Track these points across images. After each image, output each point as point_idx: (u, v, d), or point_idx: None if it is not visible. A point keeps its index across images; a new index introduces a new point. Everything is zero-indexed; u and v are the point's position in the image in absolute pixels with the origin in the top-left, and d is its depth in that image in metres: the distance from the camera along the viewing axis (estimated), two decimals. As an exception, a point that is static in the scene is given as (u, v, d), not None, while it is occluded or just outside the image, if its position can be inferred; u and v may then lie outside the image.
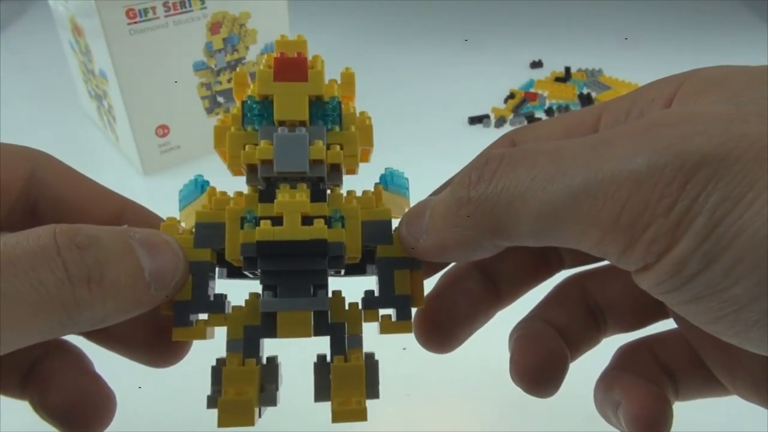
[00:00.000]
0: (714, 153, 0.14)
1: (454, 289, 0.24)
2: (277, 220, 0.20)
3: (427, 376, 0.41)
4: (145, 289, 0.19)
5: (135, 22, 0.56)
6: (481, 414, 0.41)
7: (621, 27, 0.99)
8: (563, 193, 0.16)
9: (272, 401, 0.20)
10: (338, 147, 0.21)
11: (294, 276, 0.20)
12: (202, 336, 0.21)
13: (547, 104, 0.76)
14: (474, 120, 0.72)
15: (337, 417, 0.19)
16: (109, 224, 0.22)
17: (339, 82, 0.23)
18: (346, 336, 0.21)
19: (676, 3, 1.05)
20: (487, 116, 0.72)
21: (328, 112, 0.22)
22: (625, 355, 0.25)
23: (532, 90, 0.80)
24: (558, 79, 0.82)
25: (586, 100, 0.76)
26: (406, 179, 0.24)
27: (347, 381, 0.20)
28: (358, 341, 0.21)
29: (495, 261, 0.24)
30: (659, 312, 0.25)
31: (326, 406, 0.20)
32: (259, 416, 0.20)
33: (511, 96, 0.77)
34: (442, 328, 0.23)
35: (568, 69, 0.83)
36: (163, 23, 0.58)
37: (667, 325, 0.25)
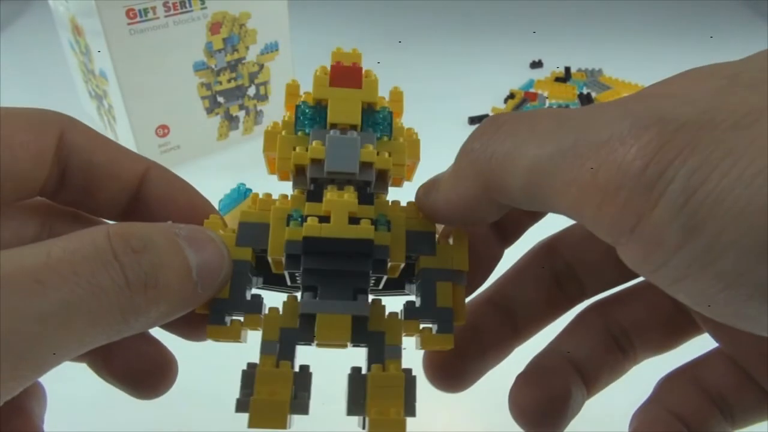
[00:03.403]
0: (694, 120, 0.14)
1: (466, 324, 0.22)
2: (323, 219, 0.20)
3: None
4: (194, 289, 0.18)
5: (135, 22, 0.56)
6: (482, 413, 0.41)
7: (621, 27, 0.99)
8: (554, 150, 0.16)
9: (304, 409, 0.19)
10: (387, 154, 0.21)
11: (336, 278, 0.20)
12: (236, 337, 0.20)
13: (547, 104, 0.76)
14: (474, 120, 0.72)
15: (375, 427, 0.19)
16: (135, 184, 0.22)
17: (387, 99, 0.23)
18: (385, 346, 0.20)
19: (676, 3, 1.05)
20: (487, 116, 0.72)
21: (378, 121, 0.22)
22: (662, 387, 0.23)
23: (532, 90, 0.80)
24: (558, 79, 0.82)
25: (585, 100, 0.76)
26: None
27: (386, 391, 0.19)
28: (397, 352, 0.20)
29: (511, 291, 0.24)
30: (690, 327, 0.23)
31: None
32: (290, 426, 0.19)
33: (511, 96, 0.77)
34: (454, 367, 0.23)
35: (568, 69, 0.83)
36: (163, 23, 0.58)
37: (708, 342, 0.23)
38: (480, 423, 0.40)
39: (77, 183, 0.22)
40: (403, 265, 0.21)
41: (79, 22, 0.60)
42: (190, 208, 0.23)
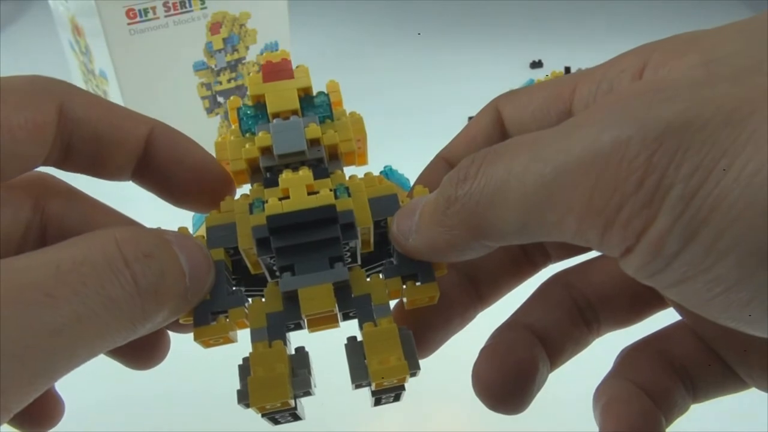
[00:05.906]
0: (678, 120, 0.13)
1: None
2: (284, 200, 0.20)
3: (426, 375, 0.41)
4: (185, 294, 0.18)
5: (135, 22, 0.56)
6: (481, 413, 0.41)
7: (621, 27, 0.99)
8: (537, 184, 0.15)
9: (306, 385, 0.19)
10: (333, 131, 0.22)
11: (309, 251, 0.20)
12: (224, 331, 0.20)
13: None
14: (474, 120, 0.72)
15: (377, 375, 0.18)
16: (141, 147, 0.22)
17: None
18: (372, 306, 0.20)
19: (676, 3, 1.05)
20: (487, 116, 0.72)
21: (317, 105, 0.23)
22: (624, 360, 0.23)
23: (532, 90, 0.80)
24: (558, 79, 0.82)
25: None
26: (407, 180, 0.24)
27: (382, 344, 0.19)
28: (386, 310, 0.20)
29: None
30: (655, 301, 0.23)
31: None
32: (295, 406, 0.19)
33: (511, 96, 0.77)
34: (418, 334, 0.22)
35: (568, 69, 0.83)
36: (163, 23, 0.58)
37: (669, 316, 0.23)
38: (481, 423, 0.40)
39: (84, 153, 0.21)
40: (372, 228, 0.21)
41: (79, 22, 0.60)
42: (199, 169, 0.23)
